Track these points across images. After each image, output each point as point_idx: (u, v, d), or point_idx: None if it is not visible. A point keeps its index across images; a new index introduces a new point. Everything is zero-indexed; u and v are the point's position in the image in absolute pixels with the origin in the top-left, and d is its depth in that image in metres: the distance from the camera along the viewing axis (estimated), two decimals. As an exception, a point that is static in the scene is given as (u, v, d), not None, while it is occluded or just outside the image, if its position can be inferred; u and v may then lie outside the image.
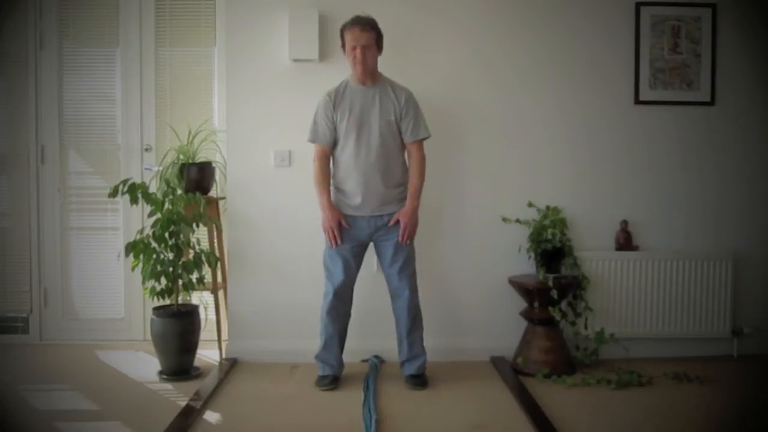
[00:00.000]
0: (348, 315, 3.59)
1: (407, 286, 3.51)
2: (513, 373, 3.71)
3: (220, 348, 3.97)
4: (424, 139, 3.54)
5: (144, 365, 3.86)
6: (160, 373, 3.67)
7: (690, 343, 4.00)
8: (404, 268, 3.51)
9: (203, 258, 3.72)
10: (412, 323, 3.53)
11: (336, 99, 3.50)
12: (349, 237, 3.49)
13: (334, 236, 3.46)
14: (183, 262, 3.67)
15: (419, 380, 3.50)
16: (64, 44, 4.30)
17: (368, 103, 3.47)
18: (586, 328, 3.86)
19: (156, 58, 4.29)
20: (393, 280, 3.52)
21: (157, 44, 4.28)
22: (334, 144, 3.51)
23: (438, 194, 3.85)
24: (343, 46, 3.51)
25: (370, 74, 3.49)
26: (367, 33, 3.44)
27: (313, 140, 3.53)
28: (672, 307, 3.96)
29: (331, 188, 3.54)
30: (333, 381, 3.50)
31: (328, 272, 3.54)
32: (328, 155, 3.53)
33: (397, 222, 3.47)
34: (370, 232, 3.50)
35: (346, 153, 3.47)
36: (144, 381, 3.62)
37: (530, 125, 3.99)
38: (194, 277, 3.71)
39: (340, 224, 3.47)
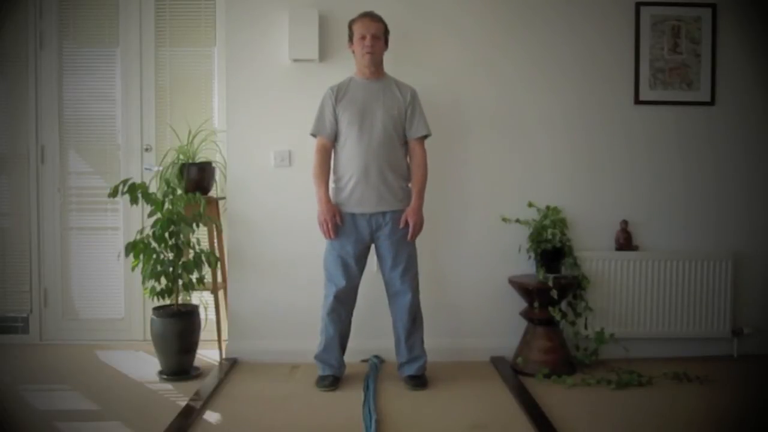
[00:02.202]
0: (350, 316, 3.57)
1: (410, 288, 3.49)
2: (513, 373, 3.71)
3: (220, 348, 3.97)
4: (426, 137, 3.54)
5: (144, 365, 3.86)
6: (160, 373, 3.67)
7: (690, 343, 4.00)
8: (407, 271, 3.49)
9: (203, 258, 3.71)
10: (412, 324, 3.52)
11: (339, 93, 3.49)
12: (350, 239, 3.47)
13: (328, 229, 3.45)
14: (183, 262, 3.67)
15: (419, 381, 3.50)
16: (64, 44, 4.30)
17: (372, 97, 3.47)
18: (586, 328, 3.86)
19: (156, 58, 4.29)
20: (395, 283, 3.50)
21: (157, 44, 4.29)
22: (336, 138, 3.50)
23: (438, 194, 3.84)
24: (351, 39, 3.52)
25: (376, 66, 3.50)
26: (377, 23, 3.47)
27: (315, 133, 3.52)
28: (672, 307, 3.96)
29: (331, 185, 3.53)
30: (333, 382, 3.50)
31: (328, 274, 3.53)
32: (328, 149, 3.51)
33: (406, 224, 3.46)
34: (371, 231, 3.48)
35: (348, 145, 3.45)
36: (144, 381, 3.62)
37: (530, 125, 3.99)
38: (194, 277, 3.70)
39: (335, 218, 3.45)
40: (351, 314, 3.58)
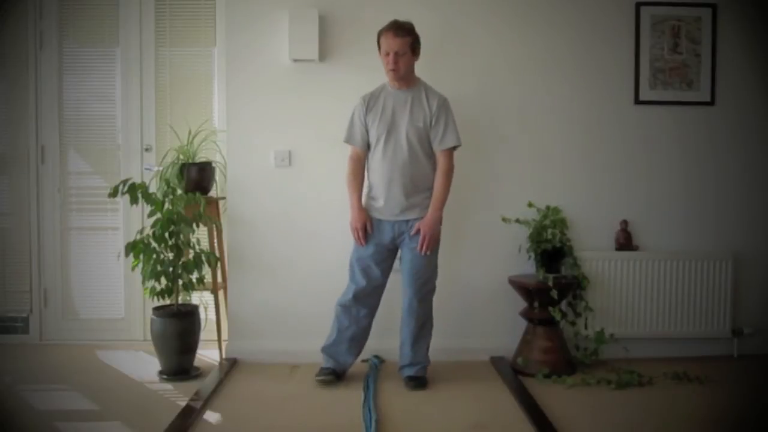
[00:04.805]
0: (369, 319, 3.57)
1: (417, 294, 3.49)
2: (513, 373, 3.71)
3: (220, 348, 3.97)
4: (454, 148, 3.49)
5: (144, 365, 3.86)
6: (160, 373, 3.67)
7: (690, 343, 4.00)
8: (419, 277, 3.48)
9: (203, 258, 3.71)
10: (419, 331, 3.53)
11: (370, 102, 3.51)
12: (372, 241, 3.50)
13: (359, 237, 3.49)
14: (183, 262, 3.67)
15: (419, 381, 3.50)
16: (64, 44, 4.30)
17: (400, 108, 3.47)
18: (586, 328, 3.86)
19: (156, 58, 4.29)
20: (406, 288, 3.52)
21: (157, 44, 4.28)
22: (369, 146, 3.52)
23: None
24: (380, 50, 3.50)
25: (403, 80, 3.48)
26: (401, 39, 3.41)
27: (346, 141, 3.57)
28: (672, 307, 3.96)
29: (365, 190, 3.56)
30: (332, 374, 3.51)
31: (351, 273, 3.56)
32: (360, 157, 3.54)
33: (418, 231, 3.45)
34: (393, 236, 3.50)
35: (375, 156, 3.49)
36: (144, 381, 3.62)
37: (530, 125, 3.99)
38: (194, 277, 3.71)
39: (365, 226, 3.48)
40: (370, 317, 3.58)
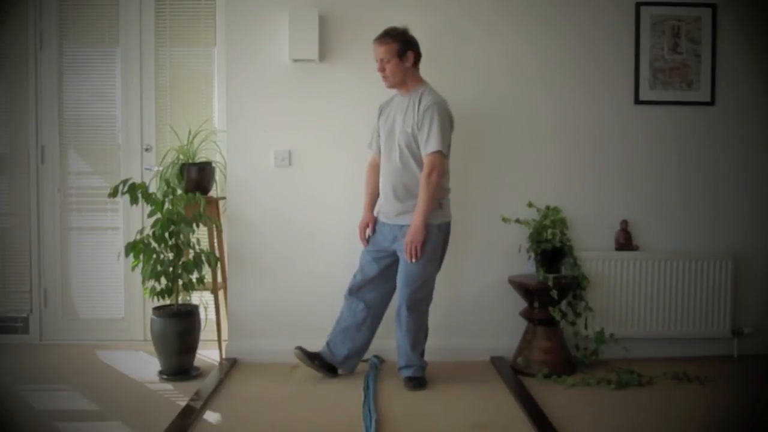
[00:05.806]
0: (363, 312, 3.56)
1: (406, 302, 3.47)
2: (513, 373, 3.71)
3: (220, 348, 3.97)
4: (436, 153, 3.38)
5: (144, 365, 3.87)
6: (160, 373, 3.67)
7: (690, 343, 4.00)
8: (407, 285, 3.46)
9: (203, 258, 3.72)
10: (412, 338, 3.51)
11: (383, 108, 3.61)
12: (372, 241, 3.60)
13: (361, 237, 3.64)
14: (183, 262, 3.67)
15: (418, 382, 3.50)
16: (64, 44, 4.30)
17: (399, 113, 3.50)
18: (586, 328, 3.86)
19: (156, 58, 4.29)
20: (398, 294, 3.53)
21: (157, 44, 4.28)
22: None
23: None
24: None
25: (399, 86, 3.51)
26: (384, 46, 3.44)
27: (368, 147, 3.69)
28: (672, 307, 3.96)
29: None
30: (309, 355, 3.59)
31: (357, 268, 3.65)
32: (376, 161, 3.64)
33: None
34: (391, 239, 3.52)
35: (381, 161, 3.58)
36: (144, 381, 3.62)
37: (530, 125, 3.99)
38: (194, 277, 3.71)
39: (365, 228, 3.63)
40: (366, 313, 3.57)
